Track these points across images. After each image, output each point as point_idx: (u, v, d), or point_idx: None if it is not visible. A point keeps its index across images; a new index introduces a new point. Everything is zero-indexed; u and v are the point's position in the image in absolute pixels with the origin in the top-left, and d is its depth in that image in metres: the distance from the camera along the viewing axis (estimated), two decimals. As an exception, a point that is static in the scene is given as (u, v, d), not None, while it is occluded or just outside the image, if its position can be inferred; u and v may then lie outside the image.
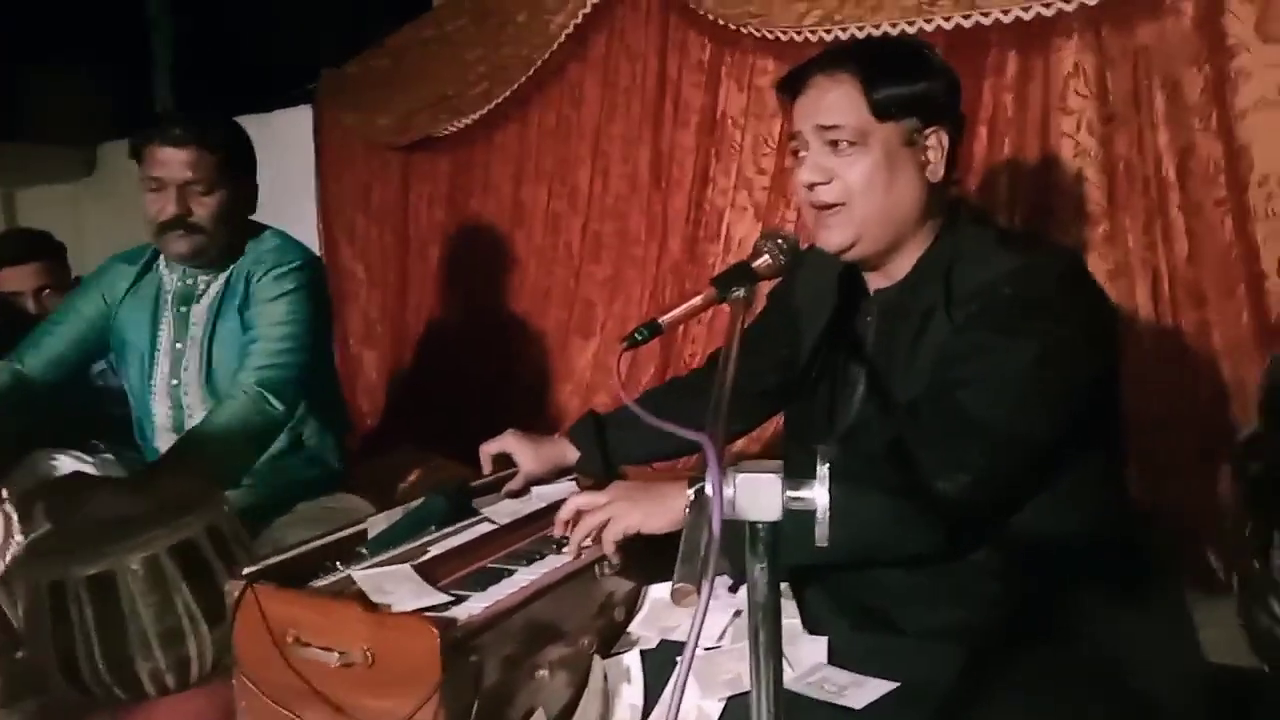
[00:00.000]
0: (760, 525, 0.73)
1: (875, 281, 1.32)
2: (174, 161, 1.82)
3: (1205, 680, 1.21)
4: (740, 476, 0.71)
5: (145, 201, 1.86)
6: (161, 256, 1.98)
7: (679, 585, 0.62)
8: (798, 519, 0.72)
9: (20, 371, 1.94)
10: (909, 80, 1.21)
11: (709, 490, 0.69)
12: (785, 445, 1.49)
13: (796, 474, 0.72)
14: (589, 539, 1.27)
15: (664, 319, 1.22)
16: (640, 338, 1.21)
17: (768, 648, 0.75)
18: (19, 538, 1.35)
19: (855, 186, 1.22)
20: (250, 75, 3.57)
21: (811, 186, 1.24)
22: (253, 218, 2.01)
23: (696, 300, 1.24)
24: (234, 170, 1.89)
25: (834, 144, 1.22)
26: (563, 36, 2.60)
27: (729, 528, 0.68)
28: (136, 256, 2.01)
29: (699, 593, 0.62)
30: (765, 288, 1.52)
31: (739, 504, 0.71)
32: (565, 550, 1.30)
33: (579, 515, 1.27)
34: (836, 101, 1.22)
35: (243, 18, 3.79)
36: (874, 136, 1.21)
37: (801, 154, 1.26)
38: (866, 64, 1.22)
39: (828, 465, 0.71)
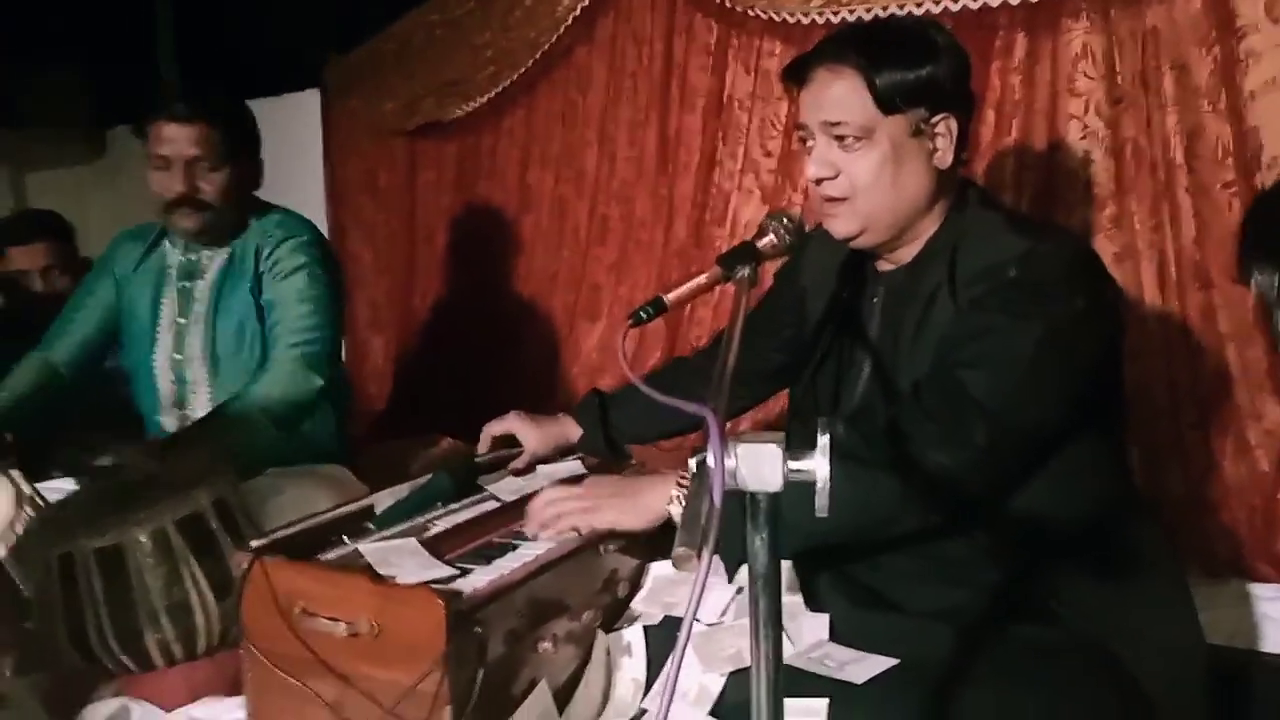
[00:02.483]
0: (761, 496, 0.73)
1: (882, 264, 1.32)
2: (180, 138, 1.82)
3: (1202, 662, 1.22)
4: (741, 447, 0.71)
5: (151, 179, 1.86)
6: (168, 235, 1.99)
7: (679, 550, 0.63)
8: (798, 494, 0.72)
9: (51, 363, 1.96)
10: (913, 67, 1.18)
11: (710, 461, 0.69)
12: (789, 425, 1.50)
13: (798, 446, 0.72)
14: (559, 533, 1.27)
15: (669, 296, 1.22)
16: (645, 315, 1.21)
17: (767, 619, 0.75)
18: (29, 510, 1.37)
19: (861, 182, 1.21)
20: (257, 60, 3.57)
21: (819, 181, 1.24)
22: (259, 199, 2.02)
23: (702, 279, 1.24)
24: (239, 146, 1.89)
25: (840, 138, 1.21)
26: (570, 20, 2.59)
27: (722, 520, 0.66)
28: (145, 233, 2.02)
29: (699, 558, 0.63)
30: (770, 267, 1.53)
31: (740, 474, 0.71)
32: (532, 547, 1.28)
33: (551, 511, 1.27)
34: (841, 97, 1.20)
35: (250, 2, 3.78)
36: (880, 131, 1.19)
37: (809, 143, 1.26)
38: (869, 54, 1.19)
39: (828, 436, 0.72)
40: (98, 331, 2.00)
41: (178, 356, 1.93)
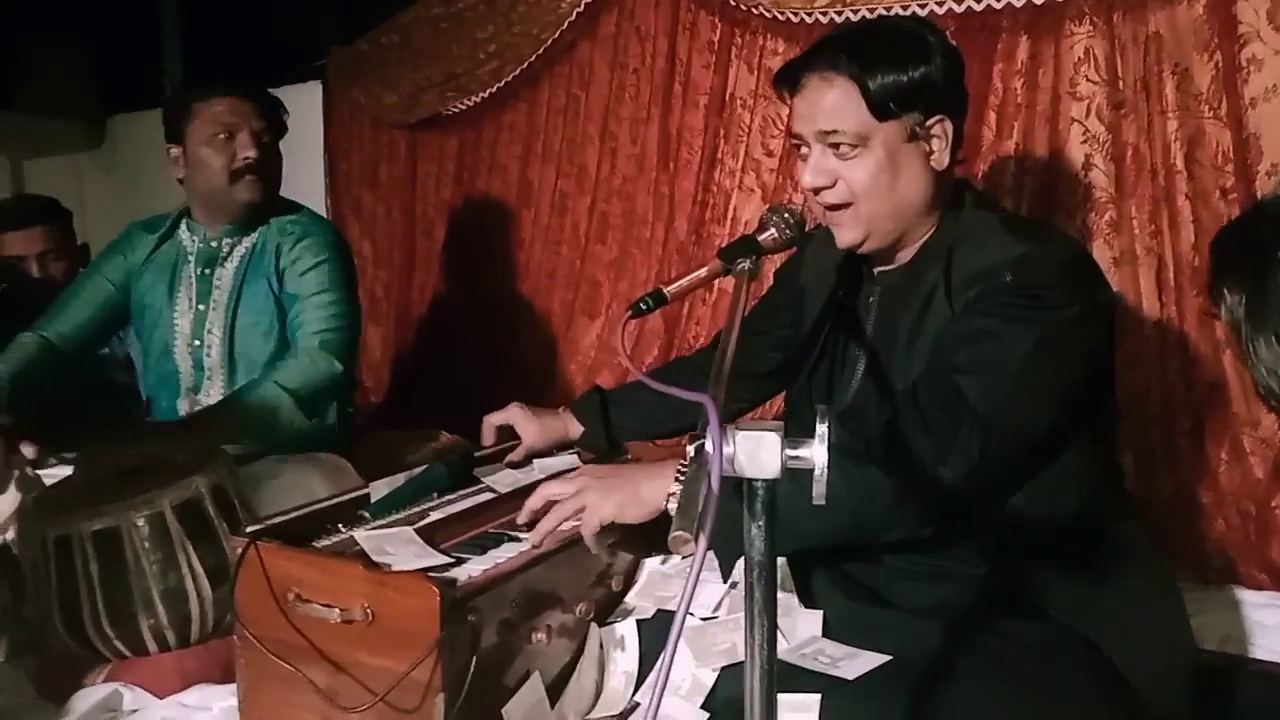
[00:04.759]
0: (758, 484, 0.73)
1: (879, 264, 1.32)
2: (247, 110, 1.89)
3: (1190, 659, 1.23)
4: (740, 433, 0.71)
5: (207, 155, 1.89)
6: (183, 223, 2.00)
7: (677, 533, 0.63)
8: (792, 491, 0.71)
9: (48, 340, 1.96)
10: (906, 70, 1.17)
11: (709, 446, 0.69)
12: (786, 424, 1.49)
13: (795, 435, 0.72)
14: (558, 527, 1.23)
15: (669, 289, 1.23)
16: (645, 307, 1.21)
17: (763, 607, 0.75)
18: (29, 492, 1.36)
19: (859, 188, 1.21)
20: (260, 50, 3.56)
21: (816, 190, 1.24)
22: None
23: (702, 271, 1.25)
24: (281, 134, 1.99)
25: (835, 146, 1.21)
26: (573, 15, 2.59)
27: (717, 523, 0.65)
28: (157, 224, 2.03)
29: (695, 541, 0.63)
30: (770, 265, 1.53)
31: (739, 461, 0.71)
32: (527, 538, 1.25)
33: (548, 505, 1.23)
34: (834, 105, 1.19)
35: (254, -7, 3.78)
36: (876, 137, 1.19)
37: (803, 150, 1.25)
38: (862, 59, 1.18)
39: (827, 424, 0.72)
40: (101, 311, 2.01)
41: (196, 343, 1.95)
